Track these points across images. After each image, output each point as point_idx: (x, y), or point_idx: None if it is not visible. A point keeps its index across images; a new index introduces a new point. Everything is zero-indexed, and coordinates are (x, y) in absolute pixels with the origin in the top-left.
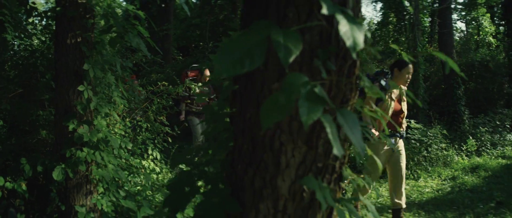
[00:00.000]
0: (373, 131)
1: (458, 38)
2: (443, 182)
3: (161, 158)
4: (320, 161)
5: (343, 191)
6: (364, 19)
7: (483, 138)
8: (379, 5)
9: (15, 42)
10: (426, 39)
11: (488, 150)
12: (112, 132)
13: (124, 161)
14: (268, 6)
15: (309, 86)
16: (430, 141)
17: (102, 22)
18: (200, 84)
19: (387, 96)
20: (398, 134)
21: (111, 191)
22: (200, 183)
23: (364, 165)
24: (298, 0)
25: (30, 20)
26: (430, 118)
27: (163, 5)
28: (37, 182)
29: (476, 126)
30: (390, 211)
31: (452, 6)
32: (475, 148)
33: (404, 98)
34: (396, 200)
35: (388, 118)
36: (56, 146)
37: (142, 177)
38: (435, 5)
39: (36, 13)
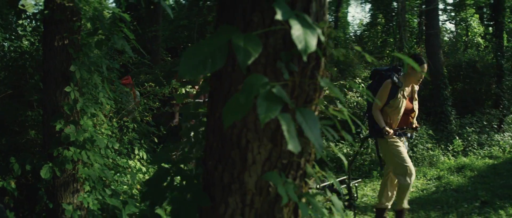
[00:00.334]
0: (387, 128)
1: (448, 39)
2: (429, 181)
3: (147, 157)
4: (285, 158)
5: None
6: (326, 23)
7: (470, 138)
8: (368, 6)
9: (5, 44)
10: (414, 40)
11: (475, 150)
12: (99, 132)
13: (111, 160)
14: (235, 11)
15: (268, 87)
16: (416, 141)
17: (88, 24)
18: (189, 86)
19: (399, 94)
20: (405, 133)
21: (97, 190)
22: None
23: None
24: (262, 6)
25: (20, 22)
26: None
27: (152, 6)
28: (26, 182)
29: (462, 126)
30: (374, 210)
31: (442, 7)
32: (462, 148)
33: (416, 97)
34: (384, 201)
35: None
36: (44, 145)
37: (128, 176)
38: (423, 6)
39: (25, 15)
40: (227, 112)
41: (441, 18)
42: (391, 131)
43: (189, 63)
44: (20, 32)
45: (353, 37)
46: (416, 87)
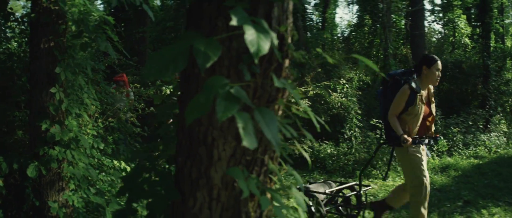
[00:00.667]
0: (405, 136)
1: (435, 40)
2: None
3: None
4: (248, 155)
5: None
6: (287, 26)
7: (455, 138)
8: (356, 7)
9: None
10: (401, 41)
11: (460, 150)
12: (84, 132)
13: (96, 160)
14: (202, 17)
15: (227, 88)
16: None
17: (73, 27)
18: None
19: (418, 100)
20: (425, 140)
21: (82, 188)
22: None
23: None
24: (226, 12)
25: (9, 24)
26: None
27: (139, 7)
28: (15, 181)
29: (448, 126)
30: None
31: (429, 8)
32: (447, 148)
33: (433, 99)
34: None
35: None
36: (31, 145)
37: (113, 177)
38: (409, 8)
39: (13, 18)
40: (189, 110)
41: (429, 19)
42: (410, 139)
43: (153, 66)
44: (8, 34)
45: (340, 38)
46: (432, 89)
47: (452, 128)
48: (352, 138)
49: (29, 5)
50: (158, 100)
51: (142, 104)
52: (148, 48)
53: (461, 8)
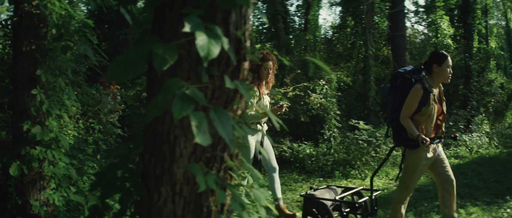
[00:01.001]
0: (423, 136)
1: (419, 41)
2: (390, 181)
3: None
4: (208, 152)
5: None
6: (243, 30)
7: None
8: (339, 8)
9: None
10: (383, 42)
11: None
12: (65, 132)
13: (77, 161)
14: (165, 23)
15: (183, 89)
16: (379, 141)
17: (54, 30)
18: None
19: (431, 100)
20: (436, 140)
21: (63, 187)
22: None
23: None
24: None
25: None
26: (379, 119)
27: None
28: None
29: None
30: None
31: (413, 9)
32: None
33: (443, 97)
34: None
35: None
36: (13, 145)
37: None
38: (390, 9)
39: None
40: (148, 110)
41: (413, 20)
42: (428, 140)
43: (116, 69)
44: None
45: (323, 39)
46: (441, 87)
47: None
48: (331, 139)
49: (12, 9)
50: (132, 101)
51: (123, 105)
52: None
53: (444, 9)
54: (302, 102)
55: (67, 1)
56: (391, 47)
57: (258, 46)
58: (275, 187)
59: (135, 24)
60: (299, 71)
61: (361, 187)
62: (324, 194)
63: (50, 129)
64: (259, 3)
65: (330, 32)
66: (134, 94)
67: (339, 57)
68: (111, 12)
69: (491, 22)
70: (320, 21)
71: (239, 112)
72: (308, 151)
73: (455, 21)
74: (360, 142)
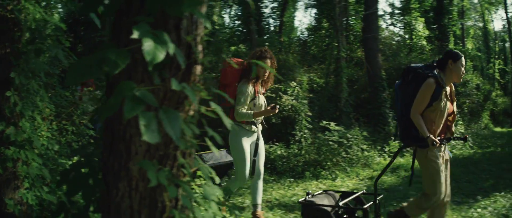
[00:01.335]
0: (433, 138)
1: (395, 43)
2: (361, 181)
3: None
4: (161, 150)
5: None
6: (193, 36)
7: None
8: (314, 10)
9: None
10: (358, 44)
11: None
12: (39, 134)
13: (51, 162)
14: (121, 29)
15: (134, 91)
16: (350, 142)
17: (27, 34)
18: None
19: (443, 95)
20: (445, 141)
21: (36, 187)
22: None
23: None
24: None
25: None
26: (351, 120)
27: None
28: None
29: None
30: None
31: (389, 11)
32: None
33: (454, 97)
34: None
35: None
36: None
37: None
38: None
39: None
40: (102, 110)
41: (388, 21)
42: (438, 142)
43: (73, 73)
44: None
45: (297, 41)
46: (453, 87)
47: None
48: (302, 140)
49: None
50: (98, 102)
51: (95, 106)
52: None
53: (419, 11)
54: (273, 104)
55: (44, 3)
56: (363, 48)
57: (233, 48)
58: (257, 192)
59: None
60: (276, 74)
61: (362, 192)
62: (323, 200)
63: (23, 130)
64: (234, 5)
65: (306, 34)
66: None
67: (313, 59)
68: (81, 16)
69: (469, 23)
70: (296, 23)
71: (191, 113)
72: (279, 152)
73: (430, 23)
74: (330, 142)
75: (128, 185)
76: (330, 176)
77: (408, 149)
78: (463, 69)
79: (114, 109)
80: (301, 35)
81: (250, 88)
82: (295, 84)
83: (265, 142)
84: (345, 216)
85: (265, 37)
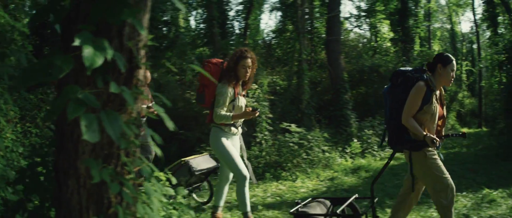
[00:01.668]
0: (432, 136)
1: (361, 45)
2: (321, 182)
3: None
4: (106, 149)
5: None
6: (135, 42)
7: (369, 141)
8: (279, 13)
9: None
10: (322, 46)
11: (375, 152)
12: (4, 136)
13: (16, 163)
14: (69, 36)
15: (78, 94)
16: (311, 144)
17: None
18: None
19: (433, 98)
20: (444, 138)
21: (0, 188)
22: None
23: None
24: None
25: None
26: (312, 122)
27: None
28: None
29: (362, 129)
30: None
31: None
32: (360, 150)
33: (444, 101)
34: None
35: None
36: None
37: None
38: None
39: None
40: (49, 112)
41: (354, 24)
42: (438, 139)
43: (22, 77)
44: None
45: (262, 44)
46: (443, 91)
47: (366, 130)
48: (263, 141)
49: None
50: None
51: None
52: None
53: (384, 13)
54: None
55: (13, 5)
56: (326, 51)
57: (198, 50)
58: (221, 195)
59: None
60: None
61: (354, 196)
62: (315, 208)
63: None
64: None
65: (269, 37)
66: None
67: (277, 61)
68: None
69: (436, 25)
70: (262, 25)
71: (134, 114)
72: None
73: (395, 25)
74: (290, 144)
75: (77, 182)
76: (291, 177)
77: (371, 151)
78: (453, 73)
79: (59, 110)
80: (266, 38)
81: (230, 90)
82: (256, 86)
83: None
84: None
85: (230, 40)
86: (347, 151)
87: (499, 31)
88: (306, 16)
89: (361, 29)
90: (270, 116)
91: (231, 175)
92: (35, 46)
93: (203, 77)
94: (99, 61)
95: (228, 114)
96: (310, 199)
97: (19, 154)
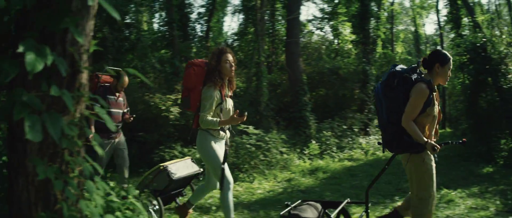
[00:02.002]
0: (433, 143)
1: (324, 46)
2: (278, 184)
3: None
4: (51, 149)
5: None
6: (79, 47)
7: (328, 142)
8: (242, 16)
9: None
10: (283, 48)
11: (334, 153)
12: None
13: None
14: (16, 47)
15: (22, 96)
16: (269, 145)
17: None
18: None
19: (434, 100)
20: (443, 144)
21: None
22: None
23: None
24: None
25: None
26: (270, 124)
27: None
28: None
29: (320, 130)
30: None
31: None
32: (319, 152)
33: (438, 98)
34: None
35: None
36: None
37: None
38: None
39: None
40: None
41: (318, 26)
42: (438, 146)
43: None
44: None
45: (224, 46)
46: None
47: (324, 132)
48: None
49: None
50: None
51: None
52: None
53: (346, 16)
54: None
55: None
56: (285, 53)
57: (162, 52)
58: (200, 197)
59: None
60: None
61: (346, 201)
62: (306, 211)
63: None
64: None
65: (231, 39)
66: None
67: (239, 63)
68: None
69: (400, 27)
70: (226, 28)
71: (78, 115)
72: (198, 155)
73: (356, 27)
74: (248, 146)
75: (26, 180)
76: (248, 179)
77: (330, 153)
78: (449, 72)
79: (6, 111)
80: (229, 40)
81: (216, 93)
82: None
83: (184, 145)
84: None
85: (191, 42)
86: (305, 153)
87: (463, 33)
88: (267, 19)
89: (322, 32)
90: None
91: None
92: None
93: (188, 80)
94: (40, 66)
95: (214, 119)
96: (299, 201)
97: None
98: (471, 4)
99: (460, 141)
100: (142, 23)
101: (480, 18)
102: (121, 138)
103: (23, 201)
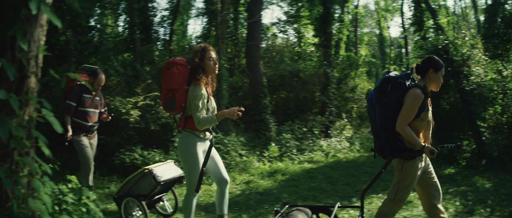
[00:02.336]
0: (431, 147)
1: (286, 49)
2: (236, 186)
3: None
4: (2, 149)
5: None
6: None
7: (288, 144)
8: (206, 19)
9: None
10: (244, 51)
11: (294, 155)
12: None
13: None
14: None
15: None
16: (228, 148)
17: None
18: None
19: (429, 105)
20: (439, 148)
21: None
22: None
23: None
24: None
25: None
26: (229, 126)
27: None
28: None
29: (281, 133)
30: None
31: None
32: (278, 154)
33: (431, 105)
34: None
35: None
36: None
37: None
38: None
39: None
40: None
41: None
42: (436, 150)
43: None
44: None
45: (188, 49)
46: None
47: (284, 134)
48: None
49: None
50: None
51: None
52: None
53: (309, 19)
54: (152, 111)
55: None
56: (245, 56)
57: (124, 55)
58: (223, 201)
59: None
60: (150, 81)
61: (338, 205)
62: (297, 216)
63: None
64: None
65: (197, 42)
66: None
67: None
68: None
69: (365, 30)
70: (190, 31)
71: (27, 117)
72: (158, 158)
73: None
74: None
75: None
76: (207, 181)
77: (290, 155)
78: (441, 78)
79: None
80: (192, 43)
81: (204, 91)
82: None
83: (144, 148)
84: None
85: (154, 45)
86: (265, 155)
87: (427, 36)
88: (230, 22)
89: (285, 35)
90: None
91: (227, 176)
92: None
93: (173, 81)
94: None
95: (212, 115)
96: (287, 206)
97: None
98: (436, 7)
99: (455, 145)
100: (107, 27)
101: (443, 20)
102: (95, 139)
103: None
